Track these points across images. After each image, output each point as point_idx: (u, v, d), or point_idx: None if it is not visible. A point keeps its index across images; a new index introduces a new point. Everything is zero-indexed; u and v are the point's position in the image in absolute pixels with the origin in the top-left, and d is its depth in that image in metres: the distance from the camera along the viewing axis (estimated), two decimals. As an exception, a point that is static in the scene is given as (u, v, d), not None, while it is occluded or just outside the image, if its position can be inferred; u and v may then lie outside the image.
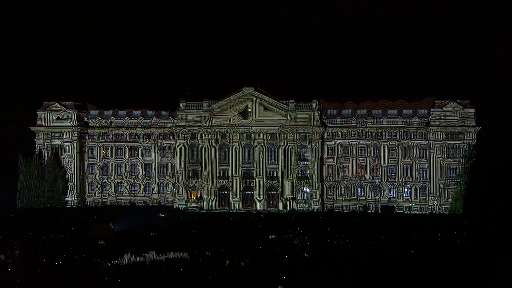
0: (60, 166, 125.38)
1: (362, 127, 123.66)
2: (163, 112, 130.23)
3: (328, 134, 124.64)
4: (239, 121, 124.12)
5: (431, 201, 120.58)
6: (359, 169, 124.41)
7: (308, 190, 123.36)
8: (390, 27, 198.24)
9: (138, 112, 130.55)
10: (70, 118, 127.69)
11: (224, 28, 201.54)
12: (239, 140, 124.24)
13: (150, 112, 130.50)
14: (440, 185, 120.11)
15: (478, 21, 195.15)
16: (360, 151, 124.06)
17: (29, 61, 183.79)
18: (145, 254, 56.73)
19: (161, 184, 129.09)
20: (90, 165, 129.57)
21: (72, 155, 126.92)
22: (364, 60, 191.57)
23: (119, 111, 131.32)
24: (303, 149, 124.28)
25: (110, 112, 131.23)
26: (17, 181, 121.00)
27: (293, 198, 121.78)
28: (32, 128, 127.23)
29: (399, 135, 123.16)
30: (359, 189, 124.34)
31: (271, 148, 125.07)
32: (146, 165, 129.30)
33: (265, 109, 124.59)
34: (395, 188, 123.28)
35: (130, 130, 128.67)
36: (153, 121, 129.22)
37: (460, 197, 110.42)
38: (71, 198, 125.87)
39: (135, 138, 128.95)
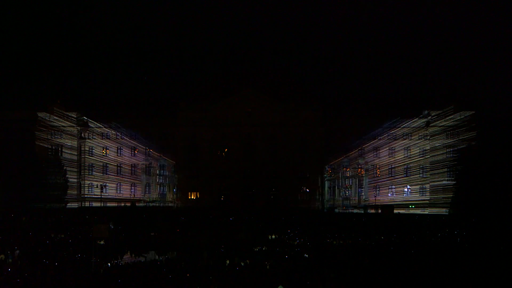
0: (60, 166, 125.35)
1: (362, 127, 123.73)
2: (164, 112, 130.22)
3: (328, 133, 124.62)
4: (240, 121, 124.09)
5: (430, 202, 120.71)
6: (359, 169, 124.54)
7: (308, 190, 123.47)
8: (391, 28, 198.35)
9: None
10: (70, 119, 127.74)
11: (225, 28, 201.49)
12: (239, 140, 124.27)
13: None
14: (440, 186, 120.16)
15: (478, 23, 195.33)
16: (360, 151, 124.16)
17: (29, 62, 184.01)
18: (145, 254, 56.74)
19: (162, 184, 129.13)
20: (90, 165, 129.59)
21: (72, 155, 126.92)
22: (365, 61, 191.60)
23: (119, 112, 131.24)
24: (304, 149, 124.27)
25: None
26: (17, 181, 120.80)
27: (293, 198, 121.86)
28: (32, 129, 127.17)
29: (399, 135, 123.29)
30: (359, 189, 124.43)
31: (271, 148, 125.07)
32: (146, 165, 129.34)
33: (266, 109, 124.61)
34: (395, 188, 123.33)
35: (130, 131, 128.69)
36: (153, 121, 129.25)
37: (459, 198, 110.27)
38: (71, 198, 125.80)
39: (135, 138, 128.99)
